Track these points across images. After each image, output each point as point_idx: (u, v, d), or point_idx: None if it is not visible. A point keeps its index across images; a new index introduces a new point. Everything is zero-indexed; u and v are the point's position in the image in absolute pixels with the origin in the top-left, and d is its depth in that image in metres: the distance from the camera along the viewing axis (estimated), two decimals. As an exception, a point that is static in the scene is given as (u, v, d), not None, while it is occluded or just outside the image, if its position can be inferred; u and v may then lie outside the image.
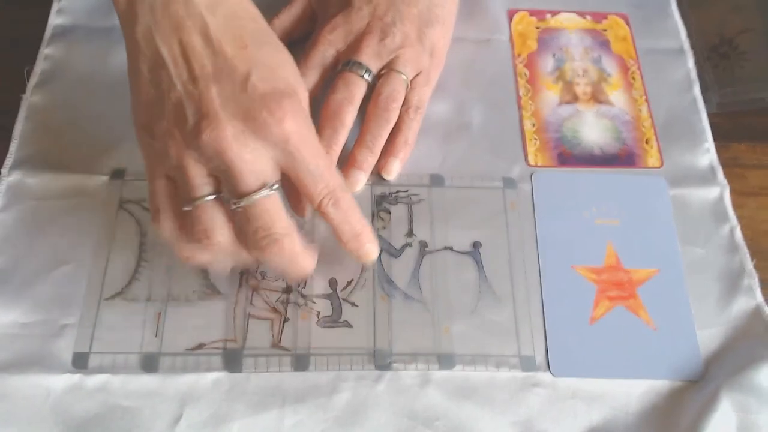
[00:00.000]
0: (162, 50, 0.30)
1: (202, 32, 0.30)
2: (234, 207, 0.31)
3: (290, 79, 0.32)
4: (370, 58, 0.41)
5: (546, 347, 0.38)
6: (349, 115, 0.40)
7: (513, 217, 0.42)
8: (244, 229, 0.31)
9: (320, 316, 0.38)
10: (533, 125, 0.45)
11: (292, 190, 0.35)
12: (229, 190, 0.31)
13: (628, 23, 0.50)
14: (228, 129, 0.29)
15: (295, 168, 0.31)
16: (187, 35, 0.30)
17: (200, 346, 0.37)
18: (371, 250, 0.35)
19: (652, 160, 0.44)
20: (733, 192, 0.43)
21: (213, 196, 0.31)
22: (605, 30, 0.50)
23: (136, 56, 0.31)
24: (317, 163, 0.31)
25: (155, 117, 0.31)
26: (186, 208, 0.31)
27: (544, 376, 0.37)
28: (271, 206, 0.31)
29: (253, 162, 0.30)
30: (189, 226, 0.32)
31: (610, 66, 0.48)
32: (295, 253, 0.32)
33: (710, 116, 0.46)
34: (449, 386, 0.36)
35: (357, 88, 0.41)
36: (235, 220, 0.32)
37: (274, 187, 0.31)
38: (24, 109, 0.43)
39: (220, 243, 0.32)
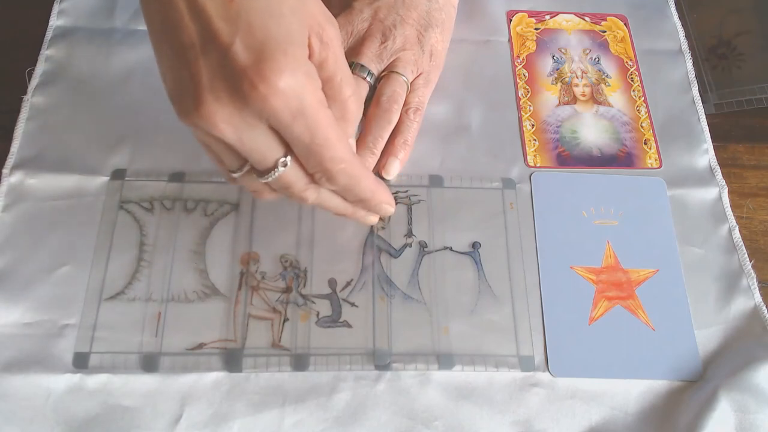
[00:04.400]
0: (150, 11, 0.27)
1: None
2: (262, 181, 0.30)
3: (290, 25, 0.27)
4: (372, 61, 0.41)
5: (545, 347, 0.38)
6: None
7: (512, 218, 0.42)
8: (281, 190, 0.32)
9: (320, 316, 0.38)
10: (532, 126, 0.45)
11: None
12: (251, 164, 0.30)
13: (626, 24, 0.50)
14: (217, 112, 0.26)
15: (287, 141, 0.29)
16: None
17: (200, 346, 0.37)
18: (385, 210, 0.36)
19: (651, 160, 0.44)
20: (731, 192, 0.43)
21: (247, 167, 0.30)
22: (604, 31, 0.50)
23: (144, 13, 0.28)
24: (311, 138, 0.28)
25: (166, 83, 0.28)
26: (233, 176, 0.31)
27: (543, 376, 0.37)
28: (292, 175, 0.30)
29: (254, 141, 0.28)
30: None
31: (608, 67, 0.48)
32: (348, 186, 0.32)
33: (708, 117, 0.46)
34: (448, 386, 0.37)
35: (359, 90, 0.41)
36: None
37: (288, 160, 0.30)
38: (25, 109, 0.43)
39: (273, 198, 0.33)
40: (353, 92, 0.31)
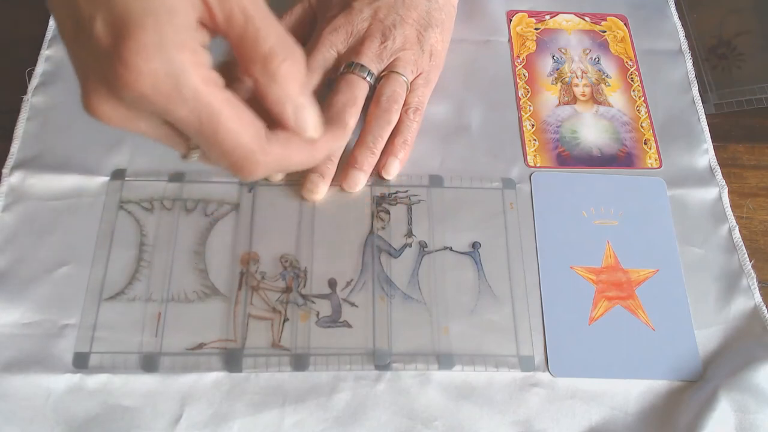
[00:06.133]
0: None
1: None
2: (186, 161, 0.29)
3: None
4: (372, 60, 0.41)
5: (545, 347, 0.38)
6: (353, 118, 0.40)
7: (512, 218, 0.42)
8: None
9: (320, 316, 0.38)
10: (532, 126, 0.45)
11: None
12: None
13: (626, 24, 0.50)
14: (100, 104, 0.24)
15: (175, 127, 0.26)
16: None
17: (200, 346, 0.37)
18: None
19: (651, 160, 0.44)
20: (731, 192, 0.43)
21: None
22: (604, 31, 0.50)
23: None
24: (198, 124, 0.25)
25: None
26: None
27: (543, 376, 0.37)
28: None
29: (154, 130, 0.26)
30: None
31: (608, 67, 0.48)
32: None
33: (708, 117, 0.46)
34: (448, 386, 0.37)
35: (360, 90, 0.41)
36: None
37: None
38: (25, 109, 0.43)
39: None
40: (285, 53, 0.25)
